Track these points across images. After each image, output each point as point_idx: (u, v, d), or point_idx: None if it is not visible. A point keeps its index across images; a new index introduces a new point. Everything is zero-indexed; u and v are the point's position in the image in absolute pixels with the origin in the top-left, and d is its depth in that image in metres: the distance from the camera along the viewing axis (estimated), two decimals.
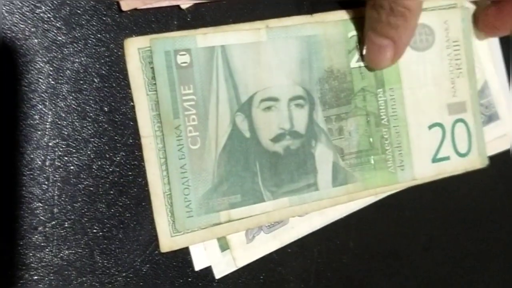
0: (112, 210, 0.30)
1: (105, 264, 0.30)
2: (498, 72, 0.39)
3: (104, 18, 0.30)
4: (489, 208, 0.40)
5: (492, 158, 0.37)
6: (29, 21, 0.29)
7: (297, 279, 0.35)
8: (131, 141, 0.31)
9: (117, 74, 0.30)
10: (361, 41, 0.34)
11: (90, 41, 0.30)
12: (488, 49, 0.38)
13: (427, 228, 0.38)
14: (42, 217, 0.29)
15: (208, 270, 0.33)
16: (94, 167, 0.30)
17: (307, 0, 0.34)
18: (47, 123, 0.29)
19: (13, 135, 0.29)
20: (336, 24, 0.34)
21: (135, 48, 0.30)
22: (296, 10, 0.34)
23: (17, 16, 0.29)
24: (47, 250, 0.29)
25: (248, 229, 0.33)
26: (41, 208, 0.29)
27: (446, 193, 0.38)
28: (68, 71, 0.30)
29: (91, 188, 0.30)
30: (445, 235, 0.38)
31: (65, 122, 0.30)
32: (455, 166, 0.36)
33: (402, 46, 0.32)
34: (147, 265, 0.31)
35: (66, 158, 0.30)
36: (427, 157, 0.35)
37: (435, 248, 0.38)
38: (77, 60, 0.30)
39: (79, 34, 0.30)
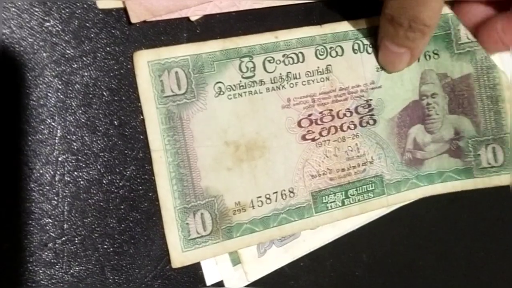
0: (123, 225, 0.30)
1: (116, 280, 0.30)
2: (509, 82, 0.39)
3: (113, 31, 0.30)
4: (502, 217, 0.39)
5: None
6: (37, 35, 0.29)
7: None
8: (141, 155, 0.30)
9: (127, 88, 0.30)
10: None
11: (99, 55, 0.30)
12: (498, 55, 0.38)
13: (440, 239, 0.37)
14: (52, 233, 0.29)
15: (220, 285, 0.32)
16: (104, 181, 0.30)
17: (316, 10, 0.34)
18: (57, 138, 0.29)
19: (22, 150, 0.28)
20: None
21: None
22: (306, 21, 0.33)
23: (25, 30, 0.28)
24: (57, 266, 0.29)
25: (260, 243, 0.32)
26: (51, 224, 0.29)
27: (458, 204, 0.38)
28: (77, 85, 0.29)
29: (102, 203, 0.30)
30: (459, 246, 0.38)
31: (74, 137, 0.29)
32: None
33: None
34: (159, 281, 0.31)
35: (76, 173, 0.29)
36: None
37: (449, 259, 0.38)
38: (86, 73, 0.29)
39: (88, 48, 0.30)
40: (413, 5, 0.29)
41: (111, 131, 0.30)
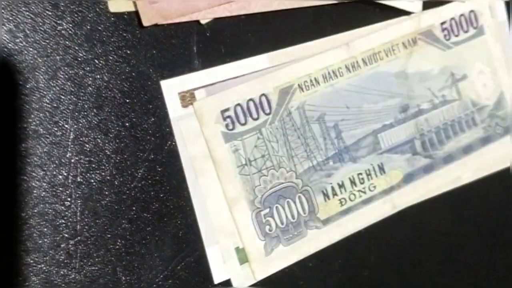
0: (135, 226, 0.30)
1: (128, 280, 0.30)
2: None
3: (125, 34, 0.30)
4: (508, 219, 0.40)
5: (509, 170, 0.37)
6: (50, 38, 0.29)
7: None
8: (152, 156, 0.31)
9: (138, 90, 0.30)
10: None
11: (111, 57, 0.30)
12: (504, 59, 0.38)
13: (447, 241, 0.38)
14: (65, 234, 0.29)
15: (227, 284, 0.32)
16: (116, 183, 0.30)
17: (325, 14, 0.34)
18: (69, 140, 0.29)
19: (35, 152, 0.29)
20: None
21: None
22: (314, 25, 0.34)
23: (39, 33, 0.29)
24: (70, 267, 0.29)
25: None
26: (64, 225, 0.29)
27: (465, 205, 0.38)
28: (89, 87, 0.30)
29: (114, 204, 0.30)
30: (466, 248, 0.38)
31: (87, 139, 0.30)
32: None
33: None
34: (170, 281, 0.31)
35: (88, 174, 0.30)
36: None
37: (455, 260, 0.38)
38: (98, 76, 0.30)
39: (100, 51, 0.30)
40: None
41: (123, 133, 0.30)
